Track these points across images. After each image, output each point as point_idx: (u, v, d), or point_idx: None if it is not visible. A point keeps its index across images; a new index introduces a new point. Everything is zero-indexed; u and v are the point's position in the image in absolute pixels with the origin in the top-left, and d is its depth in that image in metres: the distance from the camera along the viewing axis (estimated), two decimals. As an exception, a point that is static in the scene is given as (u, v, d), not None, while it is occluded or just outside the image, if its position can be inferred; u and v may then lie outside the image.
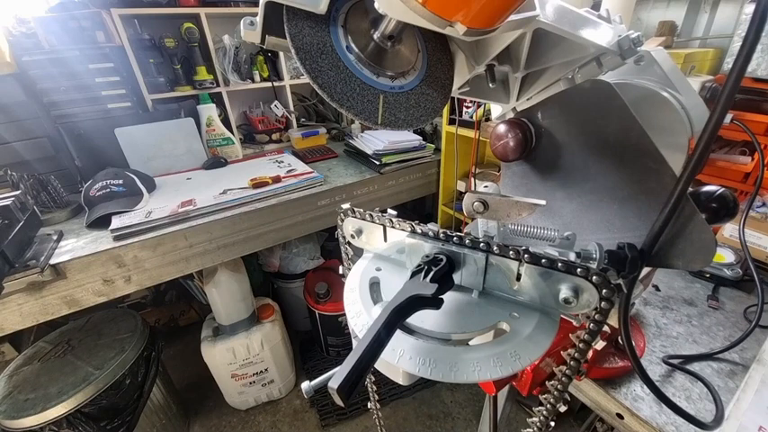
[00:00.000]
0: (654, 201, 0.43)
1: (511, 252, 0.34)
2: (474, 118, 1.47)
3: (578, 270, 0.30)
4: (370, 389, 0.59)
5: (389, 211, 0.43)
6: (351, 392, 0.23)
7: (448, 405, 1.72)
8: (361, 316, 0.38)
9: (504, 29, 0.34)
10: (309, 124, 2.13)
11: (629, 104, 0.45)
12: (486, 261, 0.36)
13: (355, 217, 0.44)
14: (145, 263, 1.19)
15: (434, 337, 0.35)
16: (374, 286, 0.43)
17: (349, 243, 0.48)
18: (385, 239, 0.43)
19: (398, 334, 0.35)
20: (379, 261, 0.46)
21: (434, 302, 0.33)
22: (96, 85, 1.49)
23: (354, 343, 0.44)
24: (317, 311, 1.80)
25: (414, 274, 0.35)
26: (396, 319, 0.29)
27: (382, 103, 0.34)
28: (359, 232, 0.45)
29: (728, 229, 1.02)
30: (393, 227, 0.42)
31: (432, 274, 0.34)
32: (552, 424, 0.39)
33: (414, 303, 0.31)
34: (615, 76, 0.59)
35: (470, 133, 1.49)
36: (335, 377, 0.23)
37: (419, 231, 0.39)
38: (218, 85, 1.76)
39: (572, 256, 0.38)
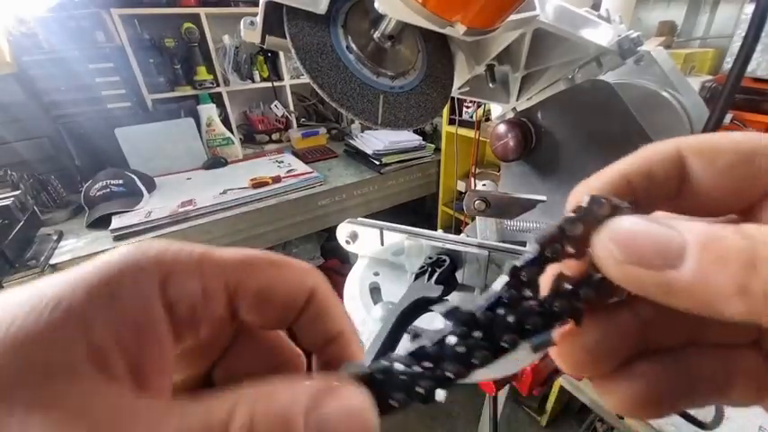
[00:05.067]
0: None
1: (512, 248, 0.34)
2: (474, 118, 1.47)
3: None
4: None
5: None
6: None
7: (448, 405, 1.72)
8: (366, 324, 0.38)
9: (503, 29, 0.34)
10: (309, 124, 2.13)
11: (629, 104, 0.45)
12: (489, 259, 0.36)
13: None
14: (145, 263, 1.19)
15: None
16: (374, 291, 0.43)
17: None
18: (382, 243, 0.43)
19: (404, 336, 0.35)
20: (376, 265, 0.46)
21: (441, 304, 0.32)
22: (96, 84, 1.49)
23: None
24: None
25: (417, 276, 0.35)
26: (403, 323, 0.29)
27: (382, 103, 0.34)
28: (354, 237, 0.45)
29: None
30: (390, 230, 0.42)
31: (436, 275, 0.34)
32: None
33: (420, 306, 0.31)
34: (615, 76, 0.59)
35: (470, 133, 1.49)
36: None
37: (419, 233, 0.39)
38: (218, 85, 1.76)
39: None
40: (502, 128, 0.55)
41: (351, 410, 0.12)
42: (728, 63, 1.14)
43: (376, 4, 0.29)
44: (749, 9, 1.01)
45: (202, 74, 1.72)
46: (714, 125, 0.34)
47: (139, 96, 1.61)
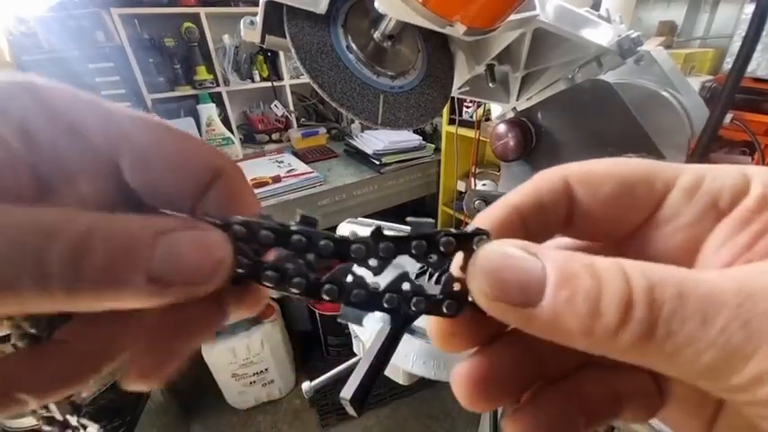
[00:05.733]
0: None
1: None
2: (474, 118, 1.47)
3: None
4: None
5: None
6: (363, 402, 0.22)
7: (448, 405, 1.72)
8: (366, 324, 0.38)
9: (504, 29, 0.34)
10: (309, 124, 2.13)
11: (629, 104, 0.45)
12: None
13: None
14: (145, 263, 1.18)
15: None
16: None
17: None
18: None
19: (407, 337, 0.35)
20: None
21: None
22: (96, 84, 1.49)
23: (355, 344, 0.44)
24: (317, 311, 1.80)
25: (417, 277, 0.35)
26: (403, 323, 0.28)
27: (382, 103, 0.34)
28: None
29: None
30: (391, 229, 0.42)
31: (436, 275, 0.34)
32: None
33: None
34: (615, 76, 0.59)
35: (470, 133, 1.49)
36: (347, 387, 0.22)
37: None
38: (217, 85, 1.76)
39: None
40: (502, 128, 0.55)
41: (203, 240, 0.12)
42: (728, 63, 1.14)
43: (376, 4, 0.29)
44: (749, 9, 1.01)
45: (202, 73, 1.72)
46: (714, 125, 0.34)
47: (139, 96, 1.61)
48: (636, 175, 0.13)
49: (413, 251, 0.14)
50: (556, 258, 0.11)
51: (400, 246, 0.14)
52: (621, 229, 0.14)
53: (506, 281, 0.11)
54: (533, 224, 0.14)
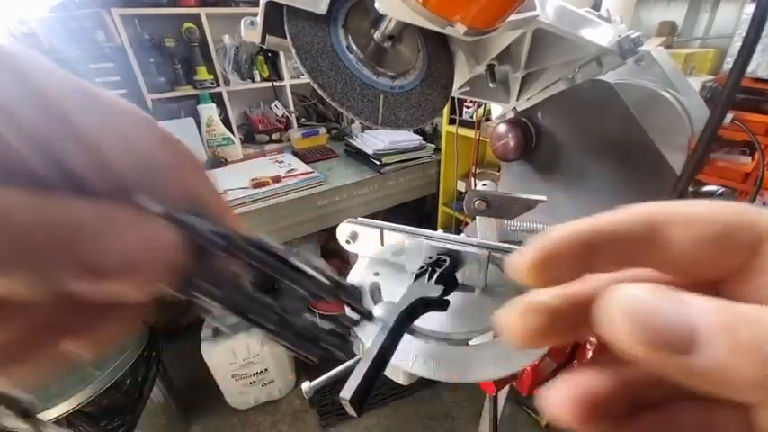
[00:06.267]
0: (654, 200, 0.43)
1: (513, 248, 0.34)
2: (474, 118, 1.47)
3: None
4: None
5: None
6: (363, 402, 0.22)
7: (448, 405, 1.72)
8: (366, 324, 0.38)
9: (504, 29, 0.34)
10: (310, 124, 2.13)
11: (630, 105, 0.45)
12: (489, 259, 0.36)
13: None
14: (145, 263, 1.19)
15: (443, 339, 0.35)
16: (375, 292, 0.43)
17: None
18: (382, 243, 0.43)
19: (407, 337, 0.35)
20: (376, 265, 0.46)
21: (441, 304, 0.32)
22: (96, 84, 1.49)
23: (355, 344, 0.44)
24: (317, 311, 1.80)
25: (417, 277, 0.35)
26: (403, 323, 0.28)
27: (382, 103, 0.34)
28: (354, 237, 0.45)
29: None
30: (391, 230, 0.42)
31: (436, 275, 0.34)
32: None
33: (421, 306, 0.31)
34: (615, 76, 0.59)
35: (470, 133, 1.49)
36: (347, 387, 0.22)
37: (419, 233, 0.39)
38: (218, 85, 1.76)
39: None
40: (502, 128, 0.55)
41: (151, 234, 0.12)
42: (729, 63, 1.14)
43: (376, 5, 0.29)
44: (749, 9, 1.01)
45: (202, 74, 1.72)
46: (714, 125, 0.34)
47: (139, 96, 1.61)
48: (739, 220, 0.13)
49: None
50: (704, 303, 0.11)
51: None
52: (711, 272, 0.14)
53: (659, 325, 0.11)
54: (608, 252, 0.14)
